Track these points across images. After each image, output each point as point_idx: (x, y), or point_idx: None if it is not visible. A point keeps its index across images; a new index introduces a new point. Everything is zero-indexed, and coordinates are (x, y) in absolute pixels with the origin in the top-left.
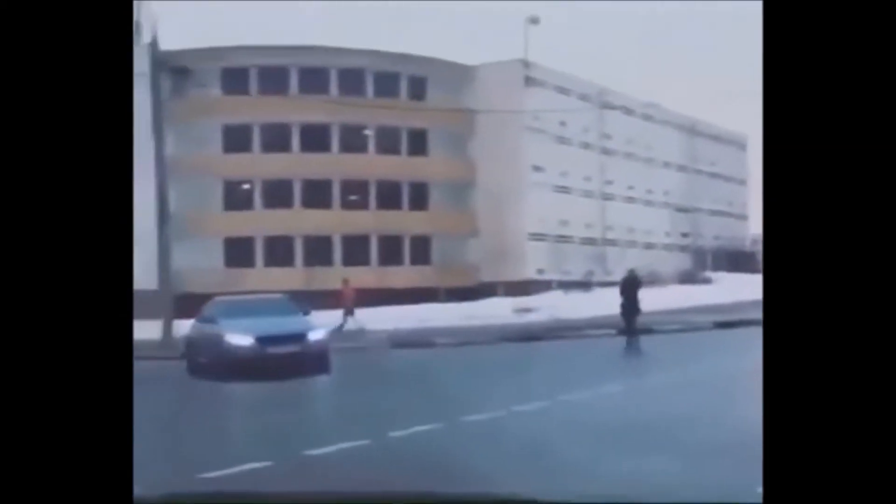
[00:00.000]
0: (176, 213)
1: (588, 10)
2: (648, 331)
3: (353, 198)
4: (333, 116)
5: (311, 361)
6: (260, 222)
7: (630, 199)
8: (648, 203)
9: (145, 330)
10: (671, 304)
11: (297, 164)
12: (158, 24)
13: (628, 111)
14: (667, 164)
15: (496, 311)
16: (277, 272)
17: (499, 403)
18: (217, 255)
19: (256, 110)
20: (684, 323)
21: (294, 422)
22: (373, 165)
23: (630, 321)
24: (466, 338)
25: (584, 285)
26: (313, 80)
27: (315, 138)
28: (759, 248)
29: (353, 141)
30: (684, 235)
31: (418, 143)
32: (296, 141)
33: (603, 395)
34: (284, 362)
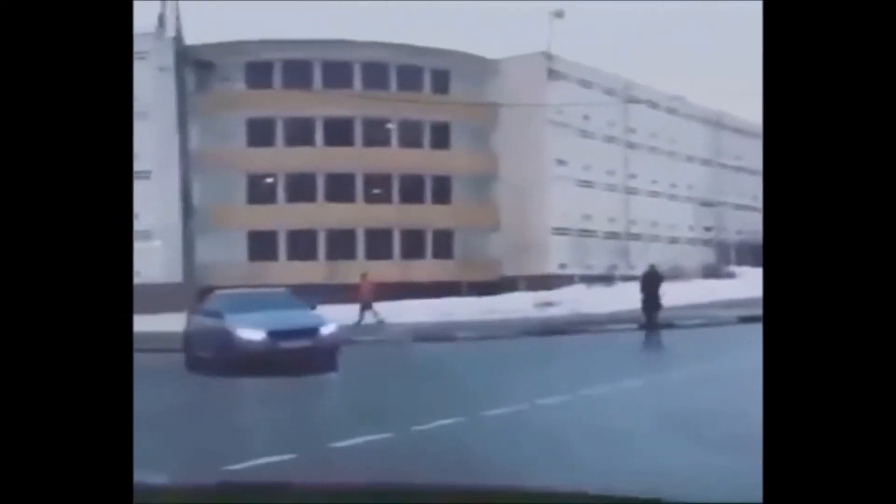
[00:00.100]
0: (200, 207)
1: (613, 4)
2: (671, 325)
3: (376, 191)
4: (357, 110)
5: (322, 357)
6: (283, 216)
7: (654, 194)
8: (672, 197)
9: (170, 322)
10: (695, 299)
11: (320, 158)
12: (182, 19)
13: (653, 105)
14: (691, 158)
15: (518, 305)
16: (300, 266)
17: (520, 398)
18: (241, 249)
19: (280, 104)
20: (708, 318)
21: (316, 415)
22: (396, 159)
23: (651, 316)
24: (488, 332)
25: (607, 280)
26: (337, 73)
27: (338, 132)
28: None
29: (376, 135)
30: (708, 230)
31: (441, 136)
32: (319, 135)
33: (624, 389)
34: (296, 357)
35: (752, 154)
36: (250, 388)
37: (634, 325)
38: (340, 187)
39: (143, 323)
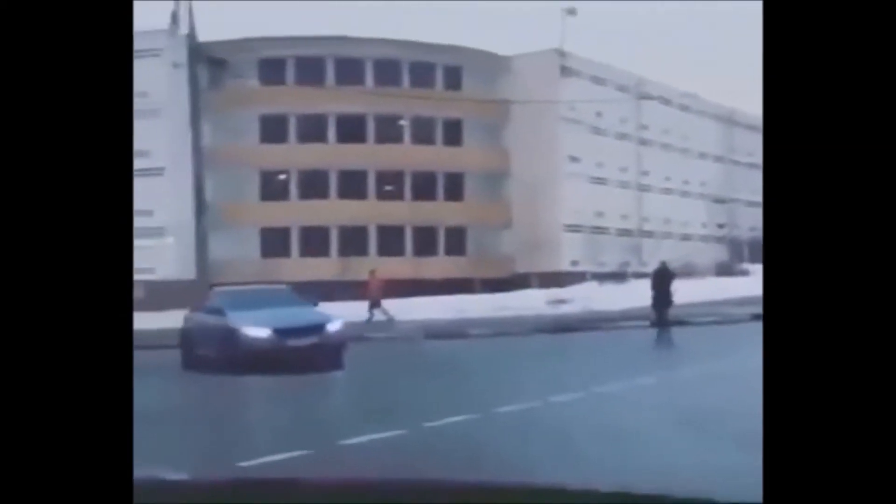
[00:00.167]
0: (213, 204)
1: (625, 3)
2: (684, 323)
3: (388, 188)
4: (369, 107)
5: (329, 354)
6: (296, 212)
7: (666, 190)
8: (685, 194)
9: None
10: (707, 296)
11: (332, 155)
12: (196, 16)
13: (665, 101)
14: (703, 155)
15: (530, 302)
16: (313, 262)
17: (532, 395)
18: (253, 246)
19: (293, 101)
20: (721, 315)
21: (328, 412)
22: (408, 156)
23: (662, 313)
24: (500, 328)
25: (619, 277)
26: (349, 70)
27: (351, 129)
28: None
29: (388, 131)
30: (721, 227)
31: (453, 133)
32: (332, 131)
33: (636, 387)
34: (303, 355)
35: None
36: (257, 386)
37: (647, 322)
38: (353, 184)
39: (156, 320)
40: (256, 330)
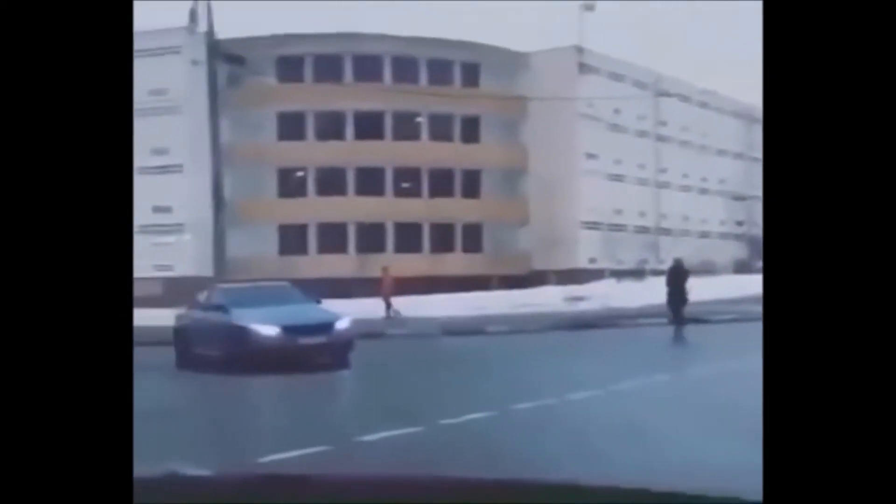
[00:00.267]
0: (231, 201)
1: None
2: (702, 320)
3: (405, 185)
4: (387, 104)
5: (337, 353)
6: (313, 209)
7: (685, 188)
8: (703, 191)
9: None
10: (726, 294)
11: (350, 152)
12: (214, 14)
13: (684, 98)
14: (722, 152)
15: (548, 299)
16: (330, 259)
17: (550, 392)
18: (271, 243)
19: (311, 98)
20: (739, 312)
21: (345, 409)
22: (425, 152)
23: (677, 311)
24: (518, 326)
25: (637, 274)
26: (367, 67)
27: (368, 126)
28: None
29: (406, 128)
30: (739, 224)
31: (471, 130)
32: (349, 128)
33: (654, 384)
34: (312, 354)
35: None
36: (264, 384)
37: (664, 320)
38: (370, 181)
39: (174, 317)
40: (266, 328)
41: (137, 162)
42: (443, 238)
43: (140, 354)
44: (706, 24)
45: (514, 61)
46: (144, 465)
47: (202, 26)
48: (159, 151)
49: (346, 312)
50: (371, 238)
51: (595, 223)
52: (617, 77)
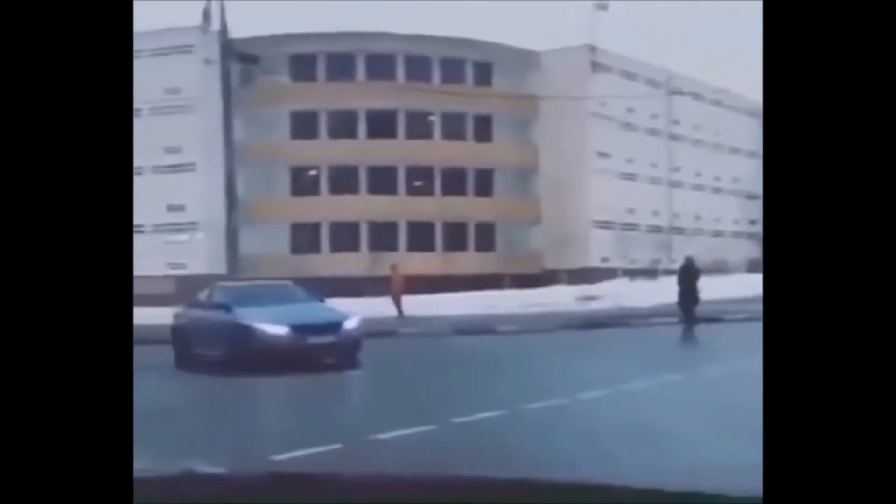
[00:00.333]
0: (244, 199)
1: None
2: (715, 319)
3: (418, 184)
4: (399, 103)
5: (347, 353)
6: (326, 208)
7: (698, 186)
8: (717, 190)
9: None
10: (738, 293)
11: (363, 151)
12: (227, 13)
13: (697, 97)
14: (735, 150)
15: (560, 298)
16: (343, 257)
17: (561, 391)
18: (283, 241)
19: (323, 97)
20: (751, 312)
21: (358, 407)
22: (438, 151)
23: (688, 310)
24: (530, 325)
25: (650, 273)
26: (380, 66)
27: (381, 124)
28: None
29: (418, 127)
30: (753, 223)
31: (483, 129)
32: (362, 127)
33: (665, 383)
34: (321, 354)
35: None
36: (275, 384)
37: (677, 319)
38: (383, 179)
39: None
40: (273, 327)
41: (151, 161)
42: (455, 237)
43: (152, 352)
44: (719, 22)
45: (526, 60)
46: (161, 463)
47: (215, 25)
48: (173, 150)
49: (356, 311)
50: (383, 237)
51: (607, 222)
52: (629, 75)
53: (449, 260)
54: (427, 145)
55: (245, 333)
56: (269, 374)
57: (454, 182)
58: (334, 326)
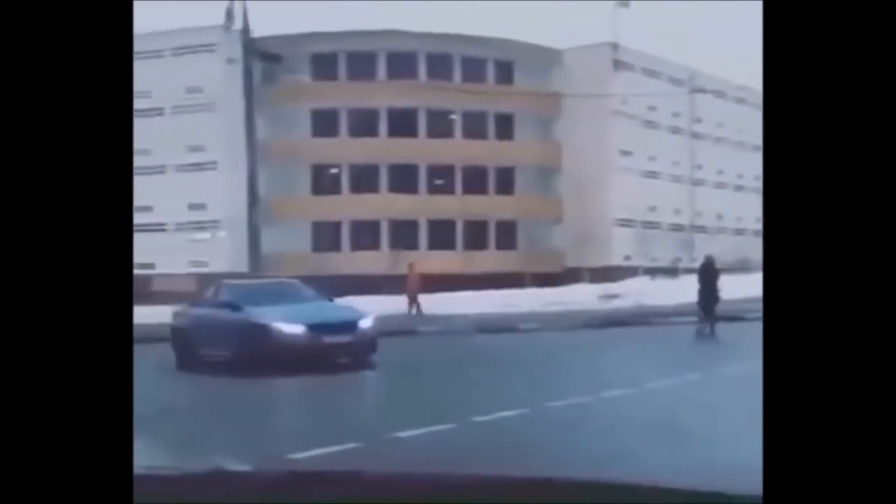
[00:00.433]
0: (265, 198)
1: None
2: (737, 318)
3: (439, 182)
4: (421, 101)
5: (362, 352)
6: (347, 206)
7: (720, 185)
8: (739, 188)
9: None
10: (760, 292)
11: (384, 149)
12: (250, 12)
13: (719, 94)
14: (758, 148)
15: (582, 296)
16: (363, 256)
17: (583, 390)
18: (305, 239)
19: (345, 95)
20: None
21: (378, 405)
22: (459, 150)
23: (708, 308)
24: (551, 323)
25: (671, 272)
26: (401, 64)
27: (402, 123)
28: None
29: (439, 125)
30: None
31: (505, 127)
32: (383, 126)
33: (687, 382)
34: (337, 353)
35: None
36: (291, 384)
37: (696, 318)
38: (404, 178)
39: None
40: (289, 326)
41: (174, 159)
42: (476, 235)
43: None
44: (741, 20)
45: (547, 58)
46: (190, 461)
47: (238, 25)
48: (195, 149)
49: (377, 309)
50: (404, 235)
51: (629, 220)
52: (652, 73)
53: (469, 258)
54: (448, 144)
55: (258, 333)
56: (283, 374)
57: (475, 180)
58: (350, 325)
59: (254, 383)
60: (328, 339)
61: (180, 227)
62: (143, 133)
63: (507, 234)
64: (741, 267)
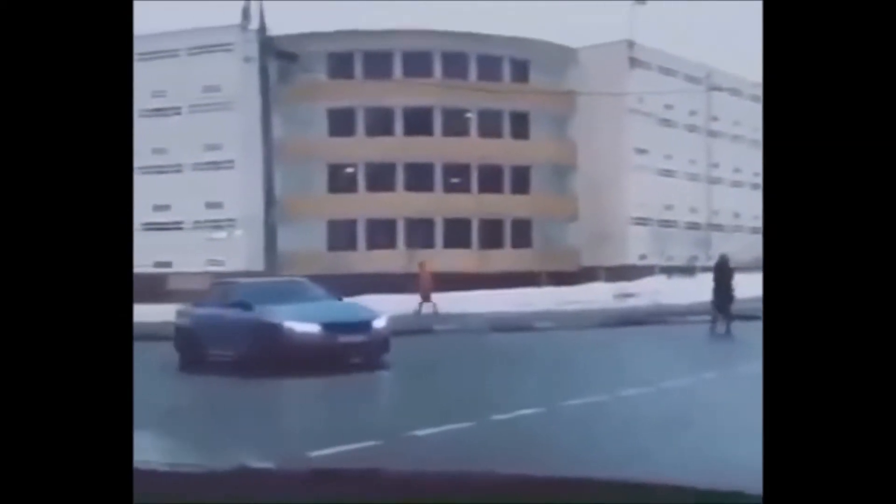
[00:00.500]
0: (281, 196)
1: None
2: (754, 317)
3: (454, 181)
4: (436, 100)
5: (376, 352)
6: (363, 205)
7: (737, 183)
8: (756, 186)
9: None
10: None
11: (399, 148)
12: (266, 11)
13: (736, 92)
14: None
15: (597, 295)
16: (379, 254)
17: (599, 388)
18: (320, 238)
19: (360, 94)
20: None
21: (395, 404)
22: (475, 148)
23: (723, 307)
24: (567, 322)
25: (688, 271)
26: (416, 63)
27: (418, 122)
28: None
29: (455, 124)
30: None
31: (520, 125)
32: (399, 124)
33: (703, 381)
34: (351, 353)
35: None
36: (311, 383)
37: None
38: (420, 177)
39: None
40: (304, 325)
41: (191, 158)
42: (492, 234)
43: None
44: (758, 17)
45: (563, 56)
46: (216, 460)
47: (254, 24)
48: (212, 147)
49: (388, 309)
50: (420, 233)
51: (645, 219)
52: (668, 71)
53: (485, 257)
54: (464, 142)
55: (271, 332)
56: (295, 374)
57: (491, 179)
58: (364, 325)
59: (265, 383)
60: (343, 338)
61: (197, 226)
62: (161, 132)
63: (522, 233)
64: (758, 265)
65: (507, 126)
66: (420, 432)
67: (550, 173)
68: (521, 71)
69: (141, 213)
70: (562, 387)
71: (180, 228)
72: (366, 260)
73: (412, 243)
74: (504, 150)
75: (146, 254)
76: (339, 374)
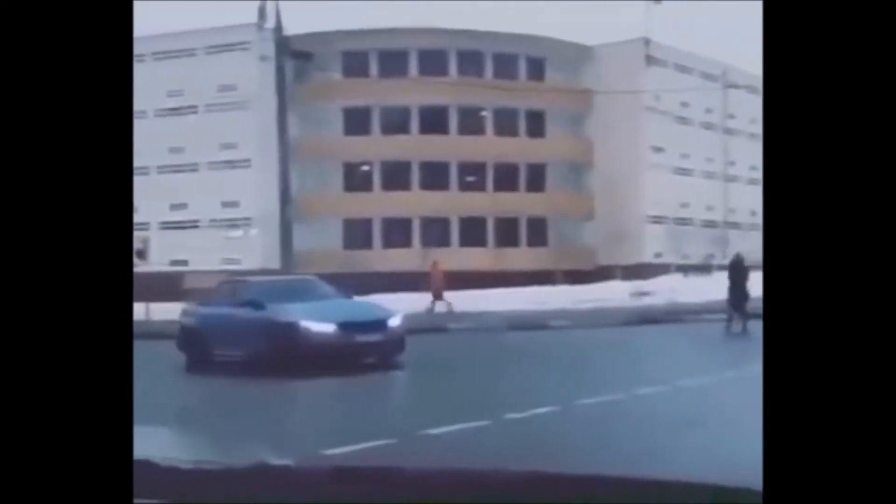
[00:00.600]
0: (297, 195)
1: None
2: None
3: (470, 179)
4: (452, 98)
5: (391, 352)
6: (378, 204)
7: (753, 181)
8: None
9: None
10: None
11: (415, 146)
12: (282, 10)
13: (753, 90)
14: None
15: (613, 294)
16: (395, 253)
17: (615, 387)
18: (336, 237)
19: (376, 93)
20: None
21: (410, 402)
22: (490, 147)
23: (738, 306)
24: (583, 320)
25: (704, 269)
26: (432, 62)
27: (433, 120)
28: None
29: (471, 122)
30: None
31: (536, 124)
32: (414, 123)
33: (720, 380)
34: (367, 352)
35: None
36: (324, 383)
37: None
38: (435, 175)
39: None
40: (319, 325)
41: (206, 157)
42: (507, 232)
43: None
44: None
45: (579, 54)
46: (234, 458)
47: (270, 23)
48: (228, 146)
49: (403, 307)
50: (436, 232)
51: (661, 217)
52: (684, 69)
53: (501, 255)
54: (479, 141)
55: (285, 332)
56: (309, 374)
57: (506, 177)
58: (380, 324)
59: (278, 383)
60: (359, 337)
61: (213, 225)
62: (177, 131)
63: (538, 231)
64: None
65: (522, 124)
66: (435, 431)
67: (566, 171)
68: (536, 69)
69: (157, 211)
70: (577, 385)
71: (196, 227)
72: (381, 258)
73: (428, 242)
74: (520, 149)
75: (162, 252)
76: (351, 374)
